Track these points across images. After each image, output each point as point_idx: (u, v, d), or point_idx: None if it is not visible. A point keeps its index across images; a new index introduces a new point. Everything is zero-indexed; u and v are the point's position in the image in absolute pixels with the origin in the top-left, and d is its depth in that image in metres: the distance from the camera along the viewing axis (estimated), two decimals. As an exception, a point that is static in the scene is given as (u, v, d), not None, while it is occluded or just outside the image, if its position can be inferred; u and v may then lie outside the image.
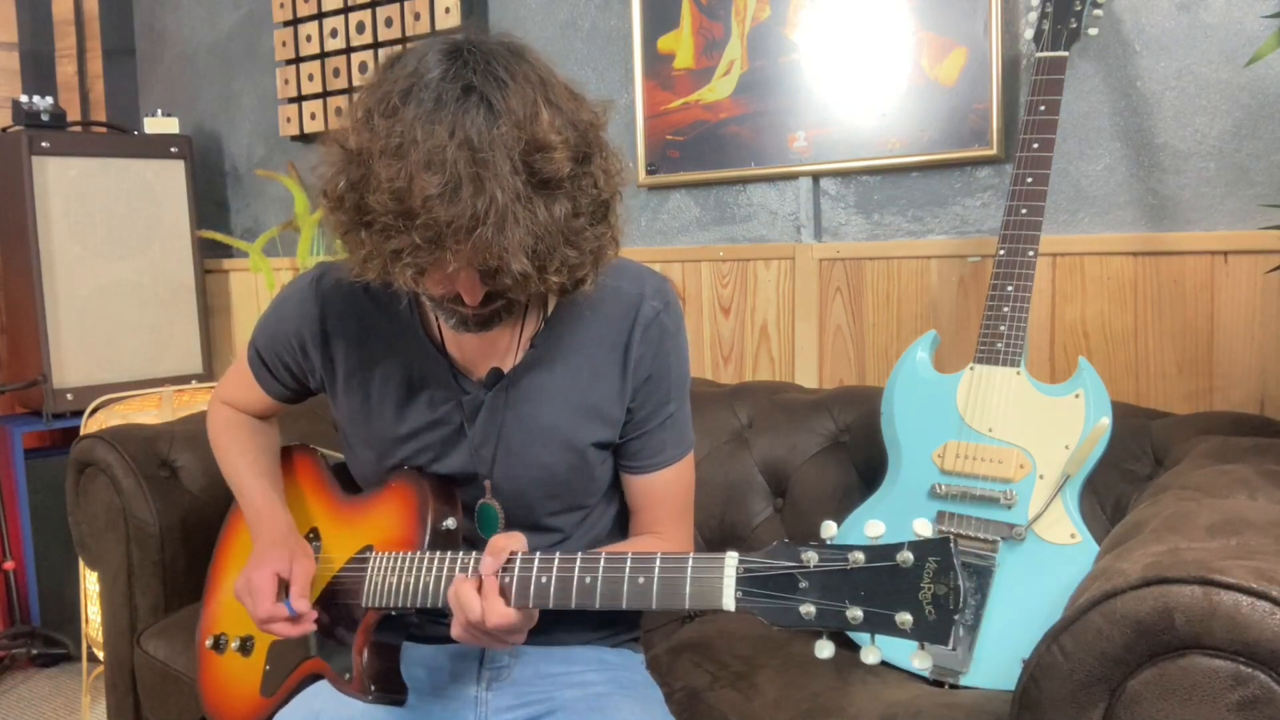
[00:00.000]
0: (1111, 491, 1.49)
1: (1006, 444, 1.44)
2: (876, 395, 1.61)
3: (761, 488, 1.79)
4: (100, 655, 2.02)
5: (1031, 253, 1.51)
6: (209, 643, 1.39)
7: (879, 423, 1.59)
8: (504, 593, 1.00)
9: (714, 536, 1.79)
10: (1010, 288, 1.51)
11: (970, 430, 1.48)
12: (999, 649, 1.35)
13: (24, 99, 2.76)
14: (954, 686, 1.36)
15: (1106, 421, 1.39)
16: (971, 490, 1.44)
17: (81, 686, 2.51)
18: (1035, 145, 1.55)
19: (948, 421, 1.50)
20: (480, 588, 1.01)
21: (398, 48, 1.10)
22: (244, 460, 1.35)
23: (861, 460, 1.70)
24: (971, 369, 1.51)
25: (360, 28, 2.65)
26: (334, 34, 2.71)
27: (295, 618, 1.15)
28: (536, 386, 1.19)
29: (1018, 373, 1.47)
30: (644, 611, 1.37)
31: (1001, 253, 1.53)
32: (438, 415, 1.21)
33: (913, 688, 1.36)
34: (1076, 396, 1.43)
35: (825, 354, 2.06)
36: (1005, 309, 1.50)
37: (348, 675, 1.15)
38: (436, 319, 1.18)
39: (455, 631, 1.03)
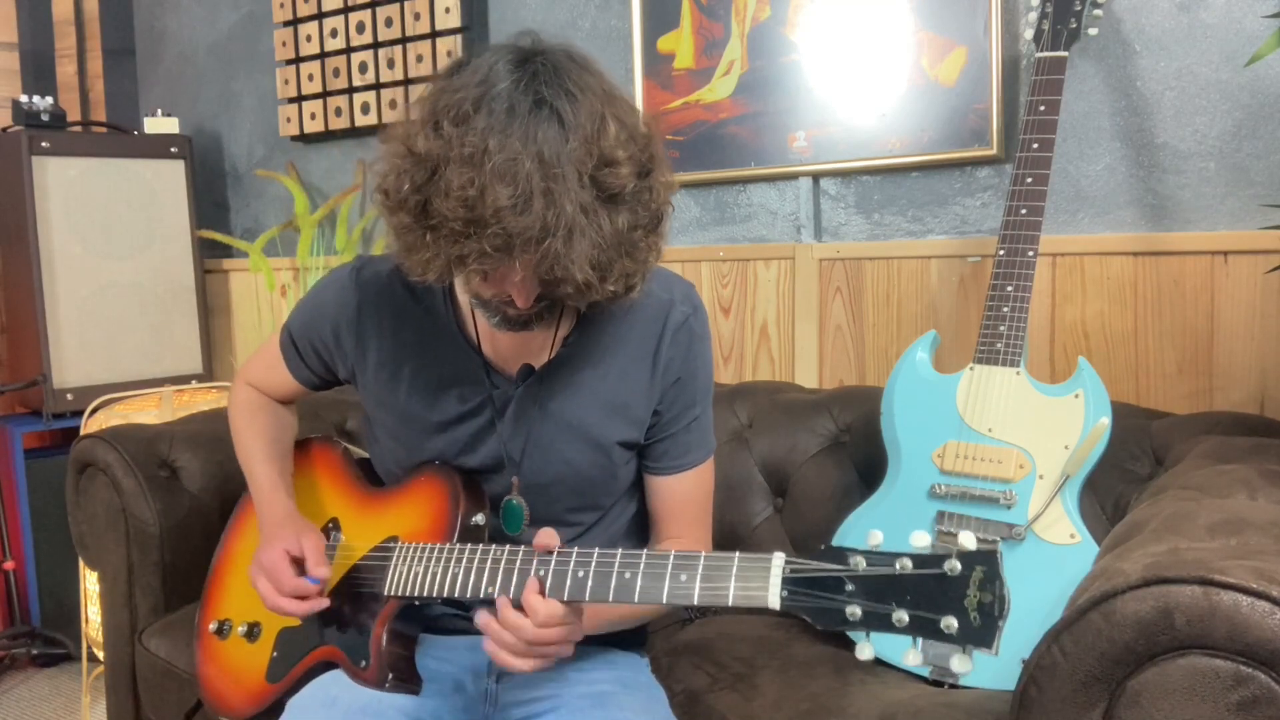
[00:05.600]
0: (1111, 491, 1.49)
1: (1006, 444, 1.44)
2: (876, 395, 1.61)
3: (761, 488, 1.79)
4: (100, 655, 2.02)
5: (1031, 253, 1.51)
6: (212, 627, 1.39)
7: (879, 423, 1.59)
8: (541, 586, 1.01)
9: (714, 536, 1.78)
10: (1010, 288, 1.51)
11: (970, 430, 1.48)
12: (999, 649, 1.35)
13: (24, 99, 2.75)
14: (954, 686, 1.36)
15: (1106, 421, 1.39)
16: (971, 490, 1.44)
17: (81, 686, 2.51)
18: (1035, 145, 1.55)
19: (947, 421, 1.50)
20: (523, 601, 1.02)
21: (457, 54, 1.12)
22: (258, 444, 1.38)
23: (861, 460, 1.70)
24: (971, 369, 1.51)
25: (360, 28, 2.65)
26: (334, 34, 2.71)
27: (319, 586, 1.18)
28: (566, 384, 1.21)
29: (1017, 373, 1.47)
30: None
31: (1001, 253, 1.53)
32: (468, 408, 1.23)
33: (912, 688, 1.36)
34: (1076, 396, 1.43)
35: (825, 354, 2.06)
36: (1005, 309, 1.50)
37: (364, 664, 1.15)
38: (473, 315, 1.21)
39: (486, 647, 1.03)
